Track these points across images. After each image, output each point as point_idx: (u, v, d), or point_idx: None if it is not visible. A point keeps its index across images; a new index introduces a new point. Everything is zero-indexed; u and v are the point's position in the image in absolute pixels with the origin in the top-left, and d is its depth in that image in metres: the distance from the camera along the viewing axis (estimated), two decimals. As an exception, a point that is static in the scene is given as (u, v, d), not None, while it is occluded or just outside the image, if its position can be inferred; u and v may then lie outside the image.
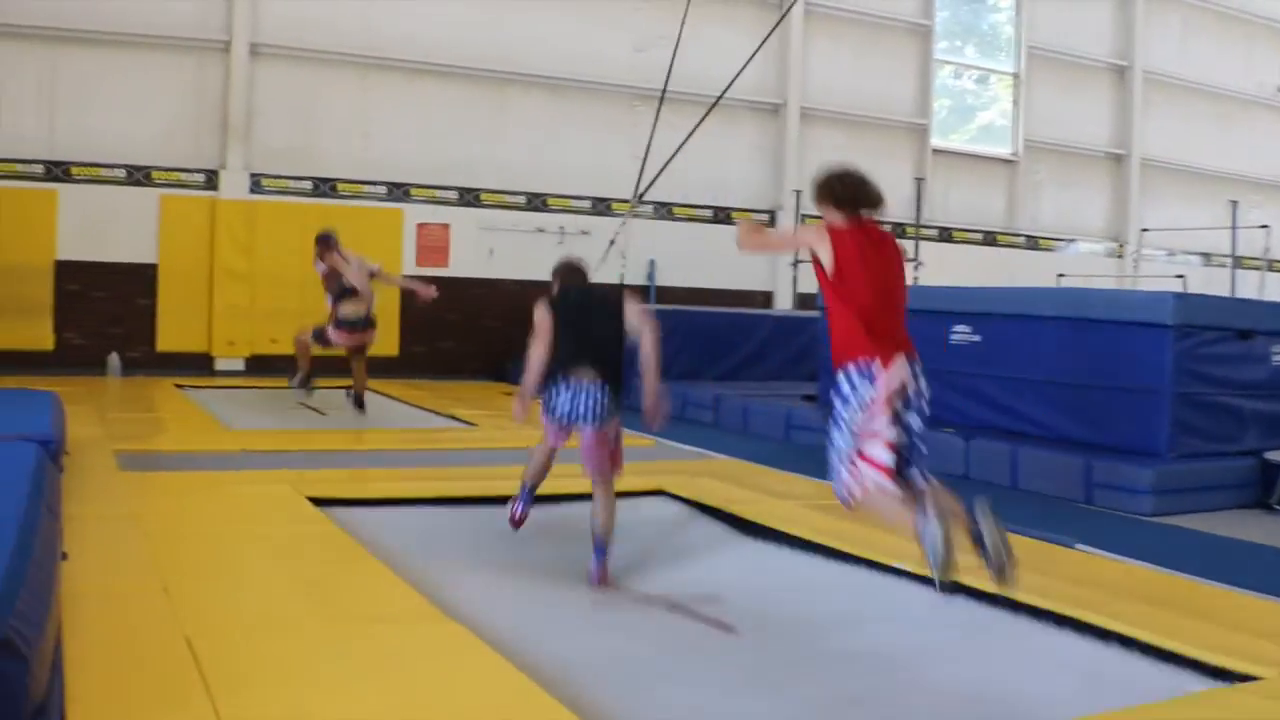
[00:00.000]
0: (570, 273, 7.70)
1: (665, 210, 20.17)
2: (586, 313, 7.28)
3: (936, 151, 23.50)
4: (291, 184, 18.22)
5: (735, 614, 6.37)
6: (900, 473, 5.57)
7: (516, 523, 7.51)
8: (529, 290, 19.08)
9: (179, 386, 15.60)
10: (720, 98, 16.22)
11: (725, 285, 20.66)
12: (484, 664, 4.76)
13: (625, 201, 19.42)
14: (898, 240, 6.21)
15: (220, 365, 17.71)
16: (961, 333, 11.36)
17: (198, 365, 17.52)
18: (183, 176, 17.72)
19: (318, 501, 7.91)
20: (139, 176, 17.49)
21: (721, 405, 13.80)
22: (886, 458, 5.54)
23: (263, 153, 18.13)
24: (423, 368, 18.46)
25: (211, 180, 17.78)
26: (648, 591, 6.79)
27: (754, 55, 16.69)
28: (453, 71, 19.09)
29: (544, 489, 7.68)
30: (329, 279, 13.30)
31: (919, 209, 21.84)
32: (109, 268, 17.28)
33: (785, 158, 21.50)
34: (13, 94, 17.01)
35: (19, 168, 16.88)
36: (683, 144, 16.15)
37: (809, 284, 20.47)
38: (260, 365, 17.65)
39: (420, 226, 18.81)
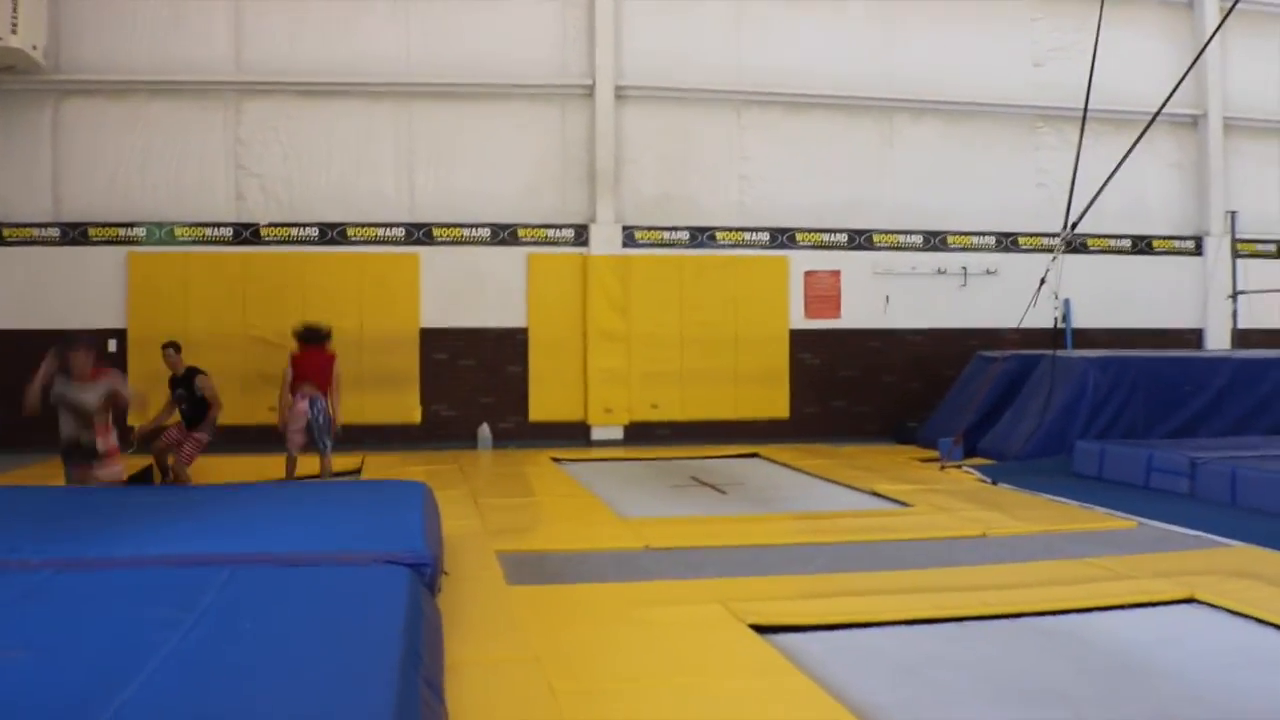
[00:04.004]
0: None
1: (1079, 243, 17.56)
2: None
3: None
4: (667, 235, 16.67)
5: None
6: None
7: None
8: (932, 340, 17.33)
9: (556, 460, 14.18)
10: (1154, 119, 13.85)
11: (1150, 324, 18.14)
12: None
13: (1033, 235, 17.33)
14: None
15: (597, 434, 16.27)
16: None
17: (573, 435, 16.19)
18: (550, 233, 16.43)
19: (761, 629, 6.04)
20: (504, 235, 16.29)
21: (1199, 472, 11.28)
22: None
23: (634, 203, 16.69)
24: (816, 430, 16.60)
25: (581, 235, 16.42)
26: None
27: (1190, 69, 14.33)
28: (834, 103, 17.20)
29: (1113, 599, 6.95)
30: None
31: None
32: (476, 334, 16.14)
33: (1209, 176, 18.55)
34: (371, 155, 16.18)
35: (379, 232, 15.95)
36: (1115, 171, 13.84)
37: (1252, 318, 17.78)
38: (640, 434, 16.22)
39: (808, 275, 16.91)
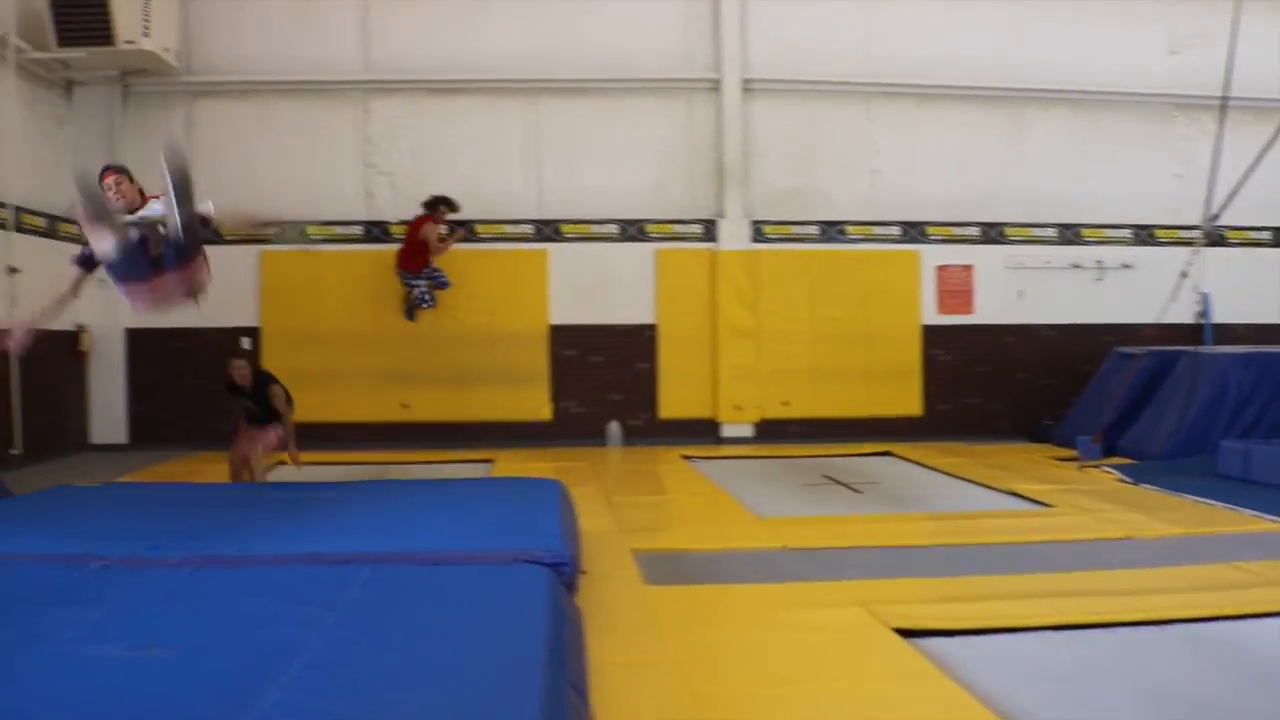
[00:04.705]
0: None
1: (1217, 235, 16.97)
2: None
3: None
4: (795, 230, 16.44)
5: None
6: None
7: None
8: (1066, 336, 16.93)
9: (686, 458, 14.11)
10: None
11: (1295, 319, 17.42)
12: None
13: (1170, 228, 16.82)
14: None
15: (726, 432, 16.12)
16: None
17: (702, 432, 16.04)
18: (678, 228, 16.32)
19: (905, 633, 5.88)
20: (632, 231, 16.22)
21: (1353, 475, 10.87)
22: None
23: (763, 197, 16.47)
24: (949, 428, 16.28)
25: (709, 231, 16.27)
26: None
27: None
28: (964, 93, 16.77)
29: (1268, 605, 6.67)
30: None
31: None
32: (605, 330, 16.08)
33: (1355, 163, 17.86)
34: (498, 151, 16.19)
35: (507, 229, 15.98)
36: (1257, 161, 13.44)
37: None
38: (770, 431, 16.06)
39: (940, 269, 16.59)
